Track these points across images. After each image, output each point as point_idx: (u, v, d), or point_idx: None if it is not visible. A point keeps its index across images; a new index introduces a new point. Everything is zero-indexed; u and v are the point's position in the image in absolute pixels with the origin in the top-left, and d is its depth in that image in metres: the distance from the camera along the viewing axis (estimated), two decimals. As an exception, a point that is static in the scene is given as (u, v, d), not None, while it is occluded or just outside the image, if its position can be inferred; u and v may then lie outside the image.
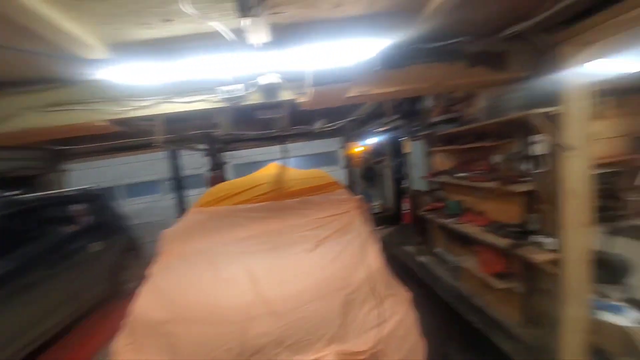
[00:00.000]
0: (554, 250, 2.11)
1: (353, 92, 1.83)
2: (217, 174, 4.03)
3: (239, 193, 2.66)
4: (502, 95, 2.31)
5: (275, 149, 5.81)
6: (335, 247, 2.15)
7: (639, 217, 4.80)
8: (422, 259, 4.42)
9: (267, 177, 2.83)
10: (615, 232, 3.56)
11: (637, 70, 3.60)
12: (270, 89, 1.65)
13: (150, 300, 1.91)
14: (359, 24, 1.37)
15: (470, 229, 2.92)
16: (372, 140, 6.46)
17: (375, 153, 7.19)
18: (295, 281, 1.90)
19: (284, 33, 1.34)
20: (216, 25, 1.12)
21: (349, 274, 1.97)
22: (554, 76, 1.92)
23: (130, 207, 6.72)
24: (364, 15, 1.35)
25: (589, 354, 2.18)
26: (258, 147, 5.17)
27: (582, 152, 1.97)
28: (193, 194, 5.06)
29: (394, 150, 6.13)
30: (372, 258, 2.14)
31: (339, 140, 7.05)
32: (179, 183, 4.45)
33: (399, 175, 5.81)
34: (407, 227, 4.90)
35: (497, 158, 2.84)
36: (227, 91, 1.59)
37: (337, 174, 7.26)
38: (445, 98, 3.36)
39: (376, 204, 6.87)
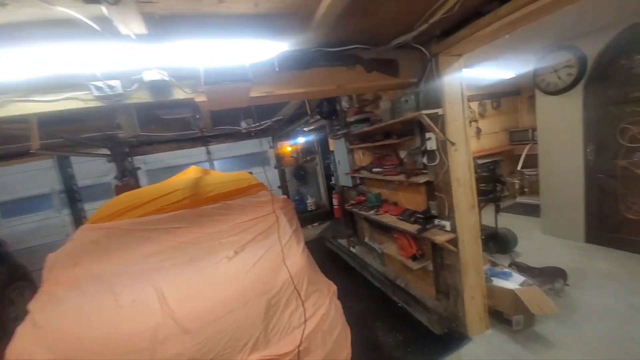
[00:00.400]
0: (451, 231, 2.41)
1: (256, 93, 1.78)
2: (125, 182, 3.52)
3: (148, 202, 2.32)
4: (400, 97, 2.56)
5: (199, 151, 5.40)
6: (258, 252, 2.07)
7: (520, 196, 6.04)
8: (354, 249, 4.69)
9: (184, 183, 2.55)
10: (502, 210, 4.36)
11: (506, 77, 4.50)
12: (158, 87, 1.47)
13: (29, 341, 1.56)
14: (249, 23, 1.32)
15: (388, 218, 3.16)
16: (302, 140, 6.55)
17: (306, 152, 7.32)
18: (213, 293, 1.77)
19: (164, 25, 1.21)
20: (68, 11, 0.94)
21: (271, 277, 1.92)
22: (437, 82, 2.20)
23: (12, 228, 5.45)
24: (252, 14, 1.31)
25: (488, 316, 2.55)
26: (178, 149, 4.70)
27: (463, 147, 2.31)
28: (96, 207, 4.34)
29: (323, 148, 6.33)
30: (296, 257, 2.14)
31: (268, 141, 6.94)
32: (73, 196, 3.74)
33: (329, 173, 6.02)
34: (340, 221, 5.11)
35: (402, 154, 3.14)
36: (101, 88, 1.37)
37: (268, 174, 7.17)
38: (357, 100, 3.57)
39: (310, 201, 7.01)
